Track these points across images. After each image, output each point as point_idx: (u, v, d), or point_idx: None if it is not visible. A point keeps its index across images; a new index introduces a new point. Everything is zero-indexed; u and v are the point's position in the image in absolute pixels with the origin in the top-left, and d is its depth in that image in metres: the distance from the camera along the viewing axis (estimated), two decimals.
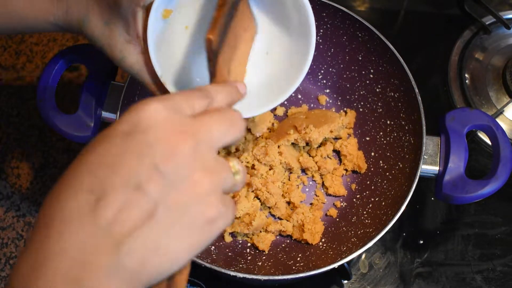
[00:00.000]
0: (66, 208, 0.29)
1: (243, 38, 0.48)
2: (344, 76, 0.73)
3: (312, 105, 0.75)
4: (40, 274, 0.28)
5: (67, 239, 0.28)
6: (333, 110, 0.74)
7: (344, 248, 0.62)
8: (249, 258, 0.65)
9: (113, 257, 0.28)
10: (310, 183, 0.70)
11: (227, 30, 0.42)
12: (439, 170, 0.61)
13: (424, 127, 0.62)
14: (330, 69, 0.74)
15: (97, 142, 0.31)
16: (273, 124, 0.72)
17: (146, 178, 0.29)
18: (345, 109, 0.74)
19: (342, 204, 0.69)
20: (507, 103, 0.77)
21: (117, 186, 0.29)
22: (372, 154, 0.70)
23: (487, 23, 0.81)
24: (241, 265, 0.63)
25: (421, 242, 0.71)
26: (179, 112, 0.32)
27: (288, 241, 0.67)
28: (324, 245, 0.65)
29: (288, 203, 0.68)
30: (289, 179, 0.69)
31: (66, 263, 0.28)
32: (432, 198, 0.73)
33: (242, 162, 0.68)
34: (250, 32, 0.50)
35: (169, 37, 0.51)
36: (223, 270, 0.56)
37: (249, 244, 0.67)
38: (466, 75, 0.79)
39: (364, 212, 0.66)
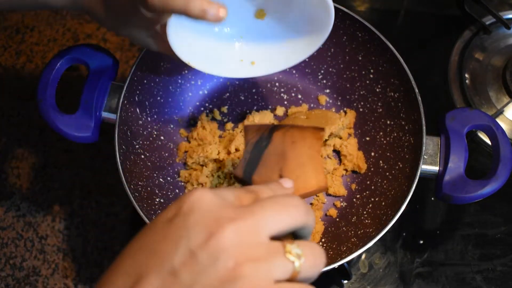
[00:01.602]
0: None
1: (297, 148, 0.47)
2: (344, 76, 0.73)
3: (312, 105, 0.75)
4: None
5: None
6: (333, 110, 0.74)
7: (344, 248, 0.62)
8: None
9: None
10: None
11: (260, 157, 0.45)
12: (439, 170, 0.61)
13: (424, 127, 0.62)
14: (330, 69, 0.74)
15: (143, 229, 0.32)
16: (273, 124, 0.72)
17: (180, 263, 0.30)
18: (345, 109, 0.74)
19: (342, 204, 0.69)
20: (507, 103, 0.76)
21: (152, 271, 0.30)
22: (372, 154, 0.70)
23: (487, 23, 0.81)
24: None
25: (421, 242, 0.71)
26: (225, 199, 0.32)
27: None
28: (324, 245, 0.65)
29: None
30: None
31: None
32: (432, 198, 0.73)
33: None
34: (308, 140, 0.48)
35: (193, 25, 0.51)
36: None
37: None
38: (466, 75, 0.79)
39: (364, 212, 0.66)
